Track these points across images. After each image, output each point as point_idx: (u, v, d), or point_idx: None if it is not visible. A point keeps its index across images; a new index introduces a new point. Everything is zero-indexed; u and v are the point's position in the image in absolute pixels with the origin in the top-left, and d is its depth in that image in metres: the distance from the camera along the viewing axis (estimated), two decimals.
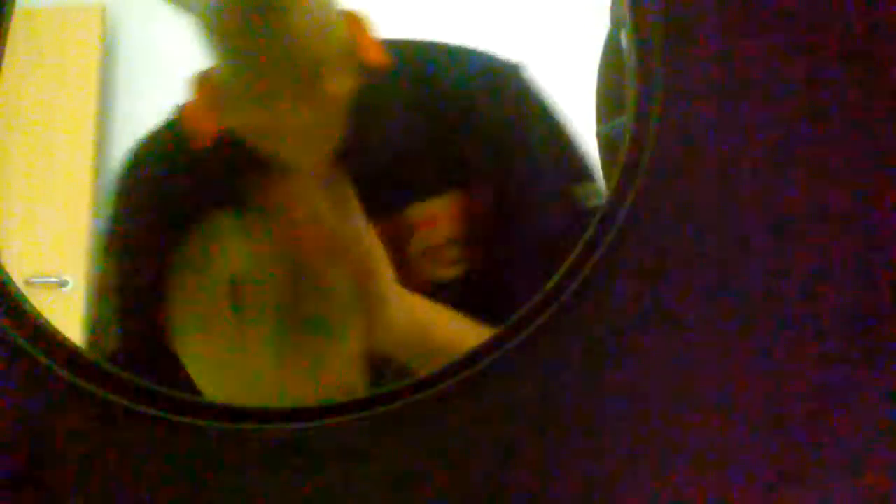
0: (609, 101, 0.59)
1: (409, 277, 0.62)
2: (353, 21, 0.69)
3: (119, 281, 0.68)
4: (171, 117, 0.70)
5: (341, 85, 0.67)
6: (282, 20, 0.63)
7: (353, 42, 0.69)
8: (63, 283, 2.64)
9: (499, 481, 0.49)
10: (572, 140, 0.67)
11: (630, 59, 0.51)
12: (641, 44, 0.50)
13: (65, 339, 0.50)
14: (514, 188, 0.66)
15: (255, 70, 0.66)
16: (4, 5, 0.53)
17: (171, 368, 0.64)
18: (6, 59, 0.55)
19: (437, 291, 0.64)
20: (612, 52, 0.58)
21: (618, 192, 0.49)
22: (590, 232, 0.50)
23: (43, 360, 0.49)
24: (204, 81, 0.70)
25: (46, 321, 0.50)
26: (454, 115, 0.67)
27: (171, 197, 0.67)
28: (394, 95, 0.68)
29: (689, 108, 0.50)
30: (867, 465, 0.49)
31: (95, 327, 0.69)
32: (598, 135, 0.60)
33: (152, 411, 0.49)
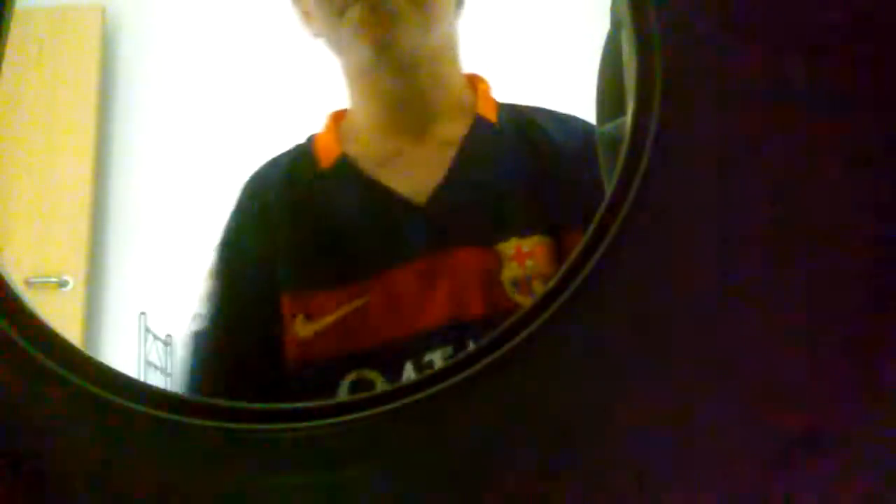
0: (609, 101, 0.59)
1: (498, 302, 0.71)
2: (475, 81, 0.83)
3: (226, 276, 0.79)
4: (300, 143, 0.82)
5: (452, 131, 0.78)
6: (413, 71, 0.76)
7: (471, 97, 0.81)
8: (63, 283, 2.65)
9: (499, 481, 0.49)
10: None
11: (630, 59, 0.51)
12: (641, 44, 0.50)
13: (65, 339, 0.50)
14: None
15: (381, 110, 0.79)
16: (4, 5, 0.53)
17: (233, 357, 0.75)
18: (6, 59, 0.55)
19: None
20: (612, 52, 0.58)
21: (618, 192, 0.49)
22: (589, 232, 0.50)
23: (43, 359, 0.49)
24: (336, 115, 0.83)
25: (46, 321, 0.50)
26: (551, 170, 0.77)
27: (290, 205, 0.79)
28: (500, 146, 0.79)
29: (689, 109, 0.50)
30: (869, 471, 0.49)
31: (201, 302, 0.80)
32: (599, 135, 0.60)
33: (152, 411, 0.49)
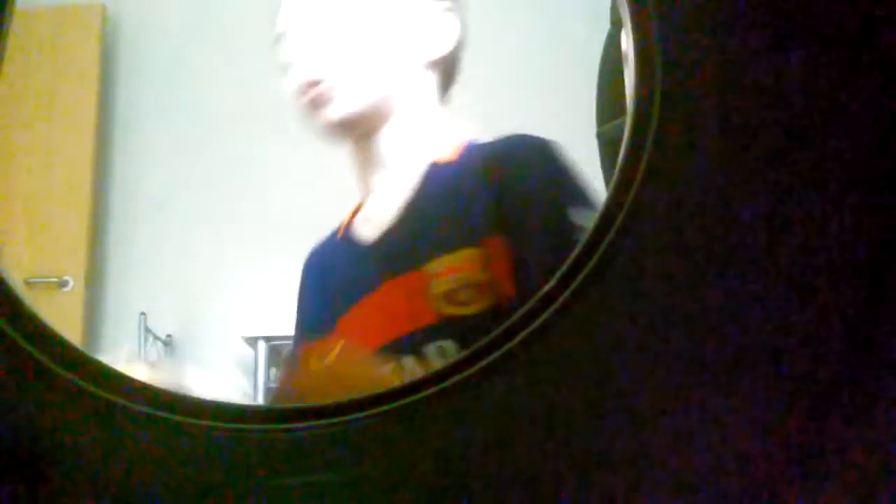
0: (609, 101, 0.59)
1: (432, 316, 0.79)
2: (446, 126, 0.92)
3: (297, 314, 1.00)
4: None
5: (411, 175, 0.89)
6: (367, 135, 0.90)
7: (430, 146, 0.90)
8: (63, 283, 2.65)
9: (497, 481, 0.49)
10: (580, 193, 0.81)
11: (630, 59, 0.51)
12: (641, 44, 0.50)
13: (65, 339, 0.50)
14: (524, 237, 0.82)
15: (357, 171, 0.93)
16: (4, 5, 0.53)
17: None
18: (7, 59, 0.55)
19: (463, 324, 0.79)
20: (612, 52, 0.58)
21: (618, 192, 0.49)
22: (590, 232, 0.50)
23: (43, 360, 0.49)
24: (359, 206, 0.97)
25: (46, 321, 0.50)
26: (482, 188, 0.83)
27: (312, 267, 0.99)
28: (449, 184, 0.87)
29: (689, 108, 0.50)
30: (865, 476, 0.49)
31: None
32: (599, 135, 0.60)
33: (152, 411, 0.49)
